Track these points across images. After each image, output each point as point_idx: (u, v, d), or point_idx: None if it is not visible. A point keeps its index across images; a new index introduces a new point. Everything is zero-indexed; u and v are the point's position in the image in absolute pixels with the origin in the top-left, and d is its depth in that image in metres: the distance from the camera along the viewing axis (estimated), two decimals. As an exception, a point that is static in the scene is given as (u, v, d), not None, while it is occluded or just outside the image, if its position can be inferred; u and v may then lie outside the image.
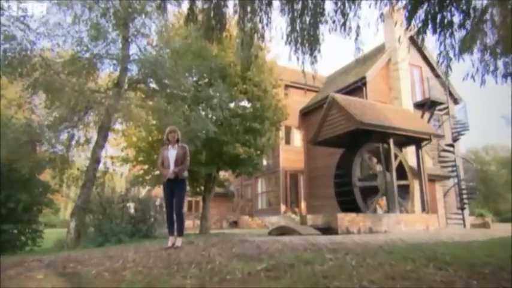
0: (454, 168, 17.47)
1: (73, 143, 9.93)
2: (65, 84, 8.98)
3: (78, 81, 9.49)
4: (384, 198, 13.45)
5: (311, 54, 5.33)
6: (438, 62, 3.64)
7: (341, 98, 13.45)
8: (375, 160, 13.74)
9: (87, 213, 8.93)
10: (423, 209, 13.40)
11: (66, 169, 9.99)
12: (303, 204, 20.92)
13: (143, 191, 16.84)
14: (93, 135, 10.62)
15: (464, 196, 17.14)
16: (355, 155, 12.27)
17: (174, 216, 5.13)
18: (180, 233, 5.12)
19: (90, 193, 9.41)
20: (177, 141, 5.39)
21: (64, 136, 9.71)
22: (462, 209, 16.89)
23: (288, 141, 21.20)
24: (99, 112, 9.20)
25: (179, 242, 5.02)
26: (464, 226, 16.57)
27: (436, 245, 5.05)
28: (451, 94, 19.17)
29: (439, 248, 4.35)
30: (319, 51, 5.34)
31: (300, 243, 5.24)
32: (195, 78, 12.79)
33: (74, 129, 9.68)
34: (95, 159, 9.69)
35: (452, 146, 17.69)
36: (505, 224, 21.80)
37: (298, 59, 5.40)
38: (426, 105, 18.05)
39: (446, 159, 17.69)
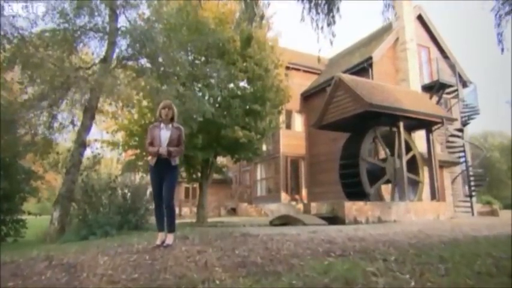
0: (463, 154, 16.72)
1: (56, 124, 8.98)
2: (45, 59, 8.00)
3: (61, 55, 8.51)
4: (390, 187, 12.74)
5: (328, 14, 4.40)
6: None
7: (348, 78, 12.53)
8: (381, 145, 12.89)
9: (72, 202, 8.07)
10: (433, 197, 12.68)
11: (49, 153, 9.05)
12: (303, 191, 20.20)
13: (138, 178, 16.01)
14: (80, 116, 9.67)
15: (472, 183, 16.44)
16: (363, 140, 11.46)
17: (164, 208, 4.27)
18: (171, 228, 4.24)
19: (76, 180, 8.53)
20: (172, 119, 4.41)
21: (44, 117, 8.74)
22: (470, 196, 16.21)
23: (288, 126, 20.30)
24: (84, 90, 8.23)
25: (170, 239, 4.15)
26: (473, 214, 15.93)
27: (477, 242, 4.24)
28: (459, 76, 18.24)
29: (491, 248, 3.52)
30: (338, 9, 4.41)
31: (313, 240, 4.42)
32: (190, 57, 11.78)
33: (55, 109, 8.70)
34: (80, 143, 8.78)
35: (461, 130, 16.88)
36: (508, 210, 21.23)
37: (312, 19, 4.49)
38: (435, 88, 17.14)
39: (454, 144, 16.91)
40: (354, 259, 2.78)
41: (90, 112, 8.93)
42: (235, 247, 3.66)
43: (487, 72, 59.67)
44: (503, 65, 69.88)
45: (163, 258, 3.07)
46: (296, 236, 5.17)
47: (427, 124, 12.68)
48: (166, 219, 4.24)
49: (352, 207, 10.22)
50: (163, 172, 4.28)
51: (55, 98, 8.01)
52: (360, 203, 10.44)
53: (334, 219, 10.07)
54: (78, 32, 9.02)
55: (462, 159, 16.81)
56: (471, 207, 16.10)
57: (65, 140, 10.06)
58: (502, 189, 32.99)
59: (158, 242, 4.15)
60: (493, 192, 28.22)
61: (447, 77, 17.45)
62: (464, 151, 16.67)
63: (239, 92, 11.84)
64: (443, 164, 16.65)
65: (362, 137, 11.60)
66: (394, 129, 11.94)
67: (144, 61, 10.12)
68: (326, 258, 2.86)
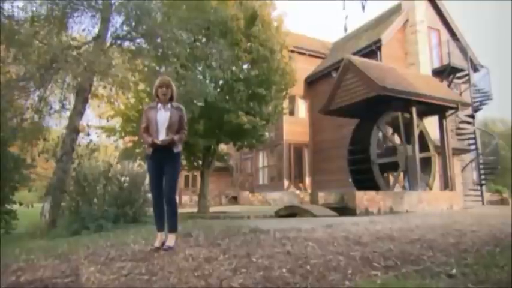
0: (473, 142, 16.11)
1: (45, 108, 8.27)
2: (30, 35, 7.26)
3: (49, 33, 7.76)
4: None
5: (358, -27, 3.70)
6: None
7: (358, 60, 11.78)
8: (392, 132, 12.24)
9: (63, 193, 7.45)
10: (446, 186, 12.10)
11: (39, 140, 8.38)
12: (307, 180, 19.64)
13: (136, 167, 15.36)
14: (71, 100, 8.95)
15: (482, 171, 15.88)
16: (373, 126, 10.81)
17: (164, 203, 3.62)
18: (173, 227, 3.57)
19: (68, 169, 7.89)
20: (171, 99, 3.71)
21: (31, 100, 8.05)
22: (481, 185, 15.66)
23: (292, 112, 19.56)
24: (75, 70, 7.51)
25: (171, 241, 3.50)
26: (483, 203, 15.41)
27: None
28: (471, 61, 17.46)
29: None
30: (369, -32, 3.72)
31: (336, 239, 3.81)
32: (191, 39, 11.00)
33: (43, 91, 7.99)
34: (72, 129, 8.11)
35: (472, 117, 16.23)
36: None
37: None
38: (445, 72, 16.41)
39: (464, 131, 16.28)
40: (409, 274, 2.18)
41: (82, 95, 8.23)
42: (250, 252, 3.04)
43: (490, 56, 58.63)
44: (504, 49, 68.71)
45: (164, 272, 2.44)
46: (312, 233, 4.57)
47: (440, 109, 12.02)
48: (167, 216, 3.58)
49: (363, 197, 9.64)
50: (163, 161, 3.60)
51: (42, 78, 7.30)
52: (372, 193, 9.87)
53: (343, 209, 9.52)
54: (68, 8, 8.24)
55: (472, 147, 16.23)
56: (481, 196, 15.58)
57: (56, 125, 9.37)
58: (507, 177, 32.58)
59: (157, 244, 3.51)
60: (498, 180, 27.74)
61: (458, 60, 16.70)
62: (475, 138, 16.06)
63: (242, 76, 11.11)
64: (454, 152, 16.04)
65: (370, 127, 10.89)
66: (406, 114, 11.27)
67: (140, 41, 9.36)
68: (372, 272, 2.25)
